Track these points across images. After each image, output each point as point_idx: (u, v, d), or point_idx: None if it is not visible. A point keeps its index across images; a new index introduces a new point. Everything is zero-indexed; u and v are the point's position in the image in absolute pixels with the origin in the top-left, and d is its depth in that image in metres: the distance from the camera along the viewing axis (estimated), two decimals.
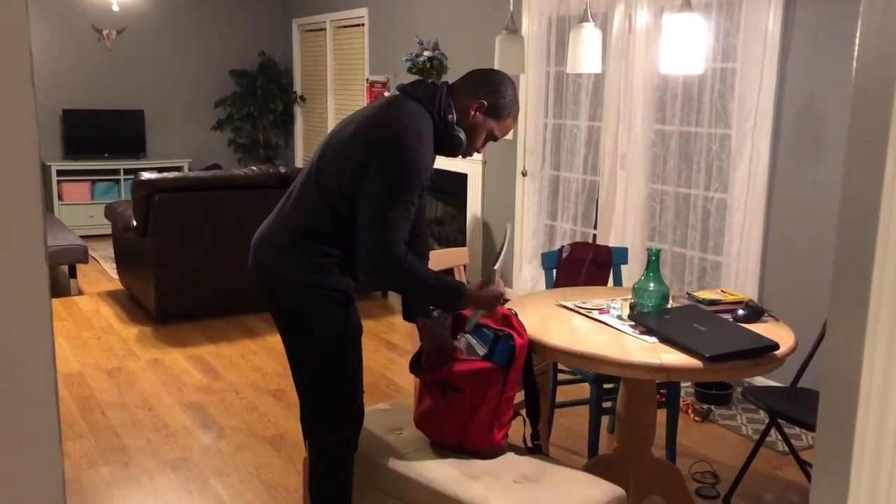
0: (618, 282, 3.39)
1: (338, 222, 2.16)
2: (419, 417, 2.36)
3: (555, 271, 3.33)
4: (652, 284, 2.46)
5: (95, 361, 4.39)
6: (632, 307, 2.49)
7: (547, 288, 3.29)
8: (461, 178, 6.02)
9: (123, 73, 8.15)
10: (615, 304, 2.65)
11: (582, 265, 3.30)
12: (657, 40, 4.24)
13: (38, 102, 1.17)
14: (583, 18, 3.31)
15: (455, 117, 2.22)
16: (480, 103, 2.24)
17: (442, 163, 6.50)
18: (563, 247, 3.36)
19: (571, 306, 2.64)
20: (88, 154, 7.89)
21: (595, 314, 2.55)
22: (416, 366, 2.36)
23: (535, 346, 2.35)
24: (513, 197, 5.53)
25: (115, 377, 4.16)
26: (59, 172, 7.68)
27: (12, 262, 1.12)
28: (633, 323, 2.43)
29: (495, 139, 2.33)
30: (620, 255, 3.39)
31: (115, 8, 7.89)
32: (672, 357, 2.18)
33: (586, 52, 3.28)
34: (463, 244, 6.08)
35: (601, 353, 2.21)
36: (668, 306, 2.50)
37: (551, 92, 5.18)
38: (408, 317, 2.45)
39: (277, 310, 2.27)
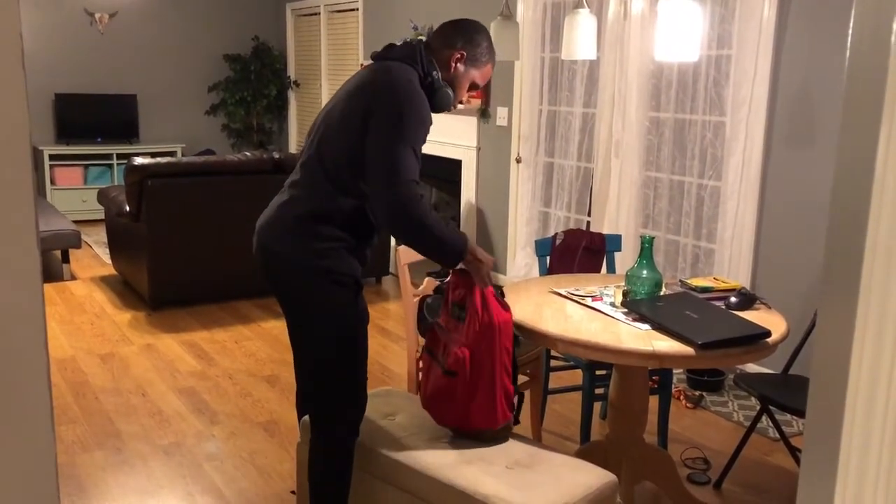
0: (611, 269, 3.40)
1: (348, 204, 2.16)
2: (424, 399, 2.37)
3: (548, 258, 3.33)
4: (645, 272, 2.47)
5: (89, 347, 4.38)
6: (625, 294, 2.50)
7: (540, 275, 3.30)
8: (455, 165, 6.01)
9: (116, 57, 8.10)
10: (608, 291, 2.65)
11: (575, 252, 3.31)
12: (652, 27, 4.23)
13: (30, 86, 1.16)
14: (578, 4, 3.30)
15: (440, 73, 2.25)
16: (461, 54, 2.27)
17: (436, 149, 6.46)
18: (556, 234, 3.36)
19: (565, 293, 2.64)
20: (81, 138, 7.85)
21: (588, 301, 2.56)
22: (422, 324, 2.37)
23: (528, 333, 2.36)
24: (507, 183, 5.53)
25: (108, 362, 4.15)
26: (52, 157, 7.64)
27: (3, 248, 1.11)
28: (625, 310, 2.44)
29: (477, 88, 2.37)
30: (614, 242, 3.39)
31: None
32: (664, 344, 2.19)
33: (581, 39, 3.27)
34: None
35: (594, 339, 2.22)
36: (661, 293, 2.51)
37: (546, 78, 5.17)
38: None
39: (285, 294, 2.26)
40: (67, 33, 7.85)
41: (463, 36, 2.28)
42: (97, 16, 7.95)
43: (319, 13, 8.00)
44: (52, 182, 7.65)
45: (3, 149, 1.12)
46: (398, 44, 2.28)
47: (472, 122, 5.77)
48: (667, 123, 4.38)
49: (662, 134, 4.42)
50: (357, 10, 7.27)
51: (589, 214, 4.98)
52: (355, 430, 2.29)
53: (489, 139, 5.68)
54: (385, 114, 2.09)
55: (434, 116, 2.21)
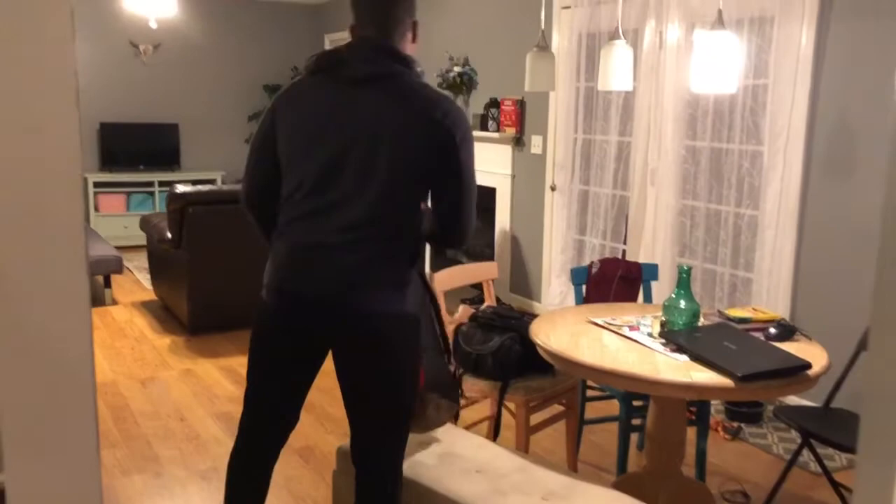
0: (647, 298, 3.38)
1: (421, 245, 2.09)
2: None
3: (584, 287, 3.32)
4: (682, 302, 2.45)
5: (129, 371, 4.45)
6: (662, 325, 2.48)
7: (576, 303, 3.29)
8: (490, 193, 6.03)
9: (159, 88, 8.30)
10: (645, 321, 2.64)
11: (612, 281, 3.29)
12: (688, 56, 4.23)
13: None
14: (613, 35, 3.32)
15: (416, 64, 2.10)
16: (414, 22, 2.13)
17: None
18: (592, 262, 3.35)
19: (601, 323, 2.63)
20: (124, 166, 8.04)
21: (625, 331, 2.54)
22: (457, 353, 2.33)
23: (564, 363, 2.35)
24: (542, 211, 5.53)
25: (148, 387, 4.22)
26: (96, 184, 7.83)
27: (55, 274, 1.15)
28: (663, 340, 2.42)
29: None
30: (650, 271, 3.37)
31: (153, 24, 8.04)
32: (703, 376, 2.17)
33: (617, 70, 3.28)
34: (491, 258, 6.08)
35: (631, 370, 2.20)
36: (699, 324, 2.48)
37: (581, 107, 5.18)
38: None
39: (368, 355, 2.04)
40: (113, 64, 8.08)
41: (404, 4, 2.08)
42: (142, 47, 8.17)
43: None
44: (96, 208, 7.83)
45: (58, 181, 1.16)
46: (357, 44, 2.06)
47: (507, 150, 5.80)
48: (703, 152, 4.36)
49: (699, 162, 4.40)
50: None
51: (624, 243, 4.96)
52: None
53: (524, 167, 5.70)
54: (467, 161, 2.01)
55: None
